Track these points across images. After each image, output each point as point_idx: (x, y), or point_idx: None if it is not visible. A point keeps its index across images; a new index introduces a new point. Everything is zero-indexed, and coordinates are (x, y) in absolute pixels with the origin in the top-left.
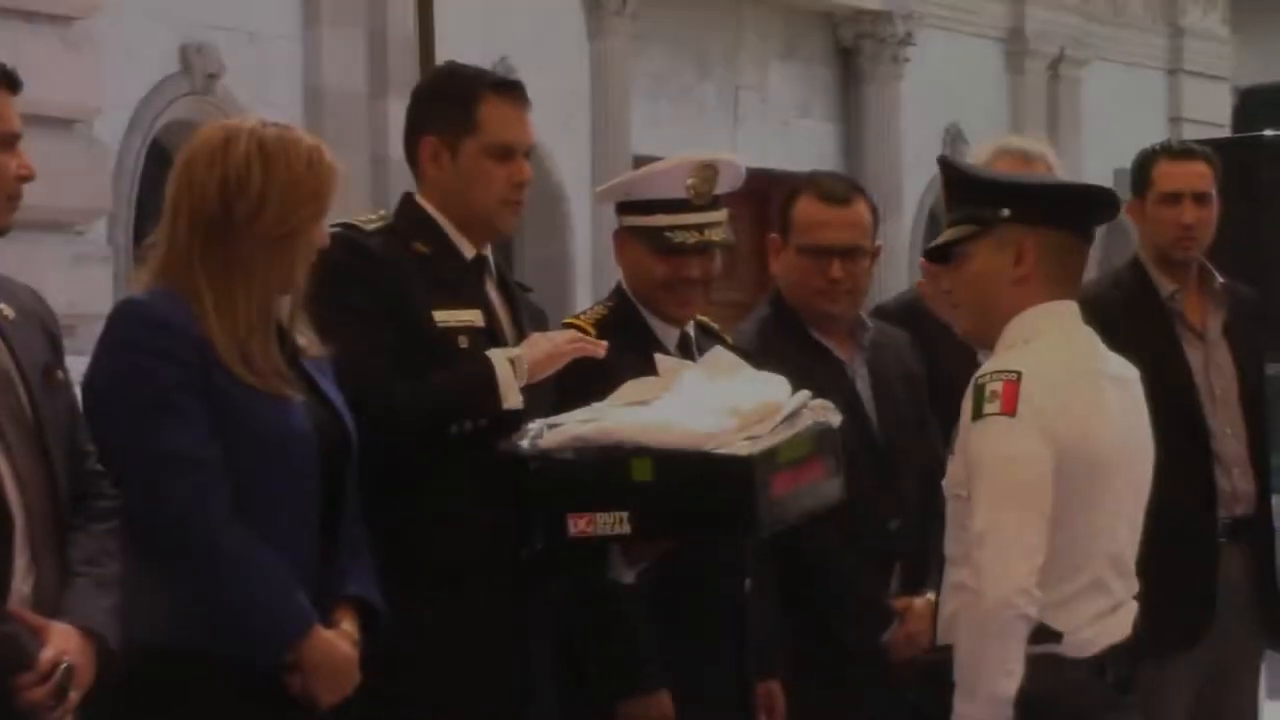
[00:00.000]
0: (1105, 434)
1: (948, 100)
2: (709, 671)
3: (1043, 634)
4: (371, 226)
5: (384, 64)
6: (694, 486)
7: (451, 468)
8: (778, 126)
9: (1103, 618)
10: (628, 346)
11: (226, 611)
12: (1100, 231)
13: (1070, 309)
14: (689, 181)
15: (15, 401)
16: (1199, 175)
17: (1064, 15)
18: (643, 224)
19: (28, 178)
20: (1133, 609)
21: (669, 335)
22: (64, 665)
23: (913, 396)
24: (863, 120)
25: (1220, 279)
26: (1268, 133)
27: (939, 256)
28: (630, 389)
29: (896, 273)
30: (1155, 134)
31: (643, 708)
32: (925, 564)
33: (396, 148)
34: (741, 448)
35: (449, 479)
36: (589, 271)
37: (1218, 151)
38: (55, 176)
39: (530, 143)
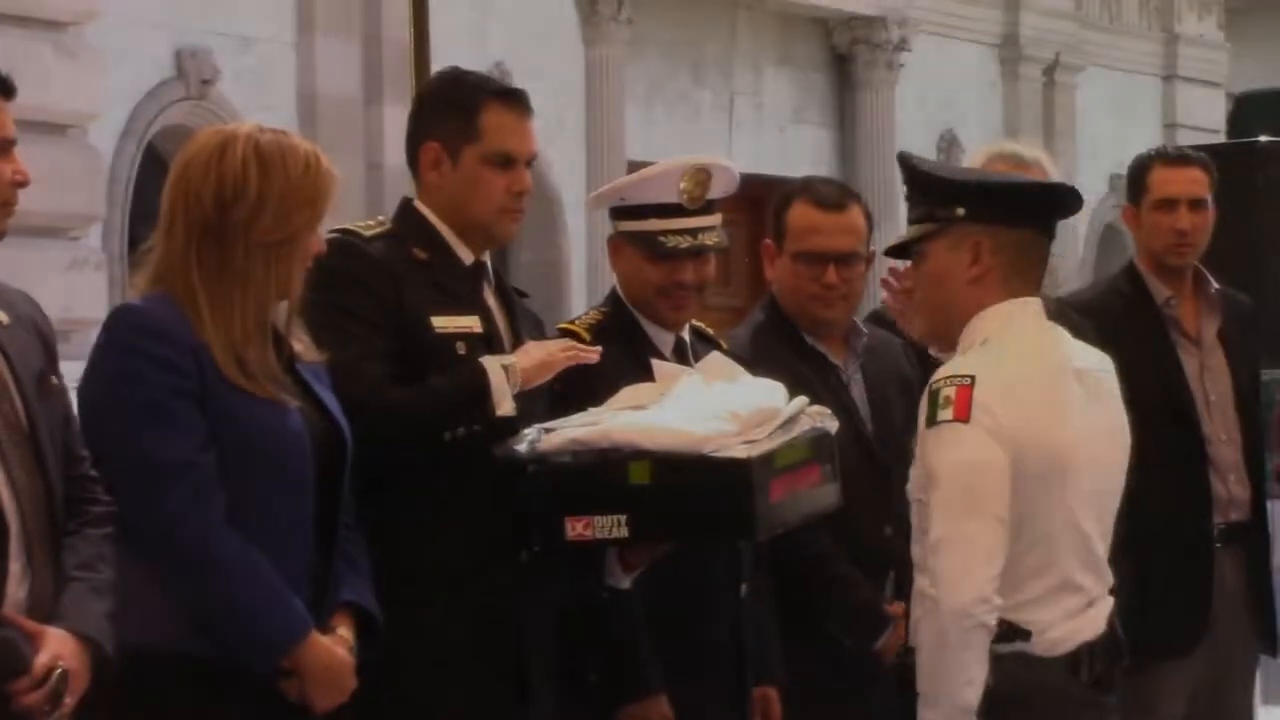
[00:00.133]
0: (1063, 432)
1: (942, 106)
2: (706, 677)
3: (1012, 633)
4: (370, 232)
5: (378, 70)
6: (692, 490)
7: (449, 472)
8: (772, 132)
9: (1074, 616)
10: (623, 352)
11: (222, 617)
12: (1095, 237)
13: (1031, 306)
14: (682, 186)
15: (10, 407)
16: (1195, 181)
17: (1059, 21)
18: (636, 229)
19: (23, 183)
20: (1107, 605)
21: (664, 340)
22: (59, 670)
23: (907, 402)
24: (857, 126)
25: (1215, 285)
26: (1263, 138)
27: (900, 254)
28: (627, 394)
29: None
30: (1150, 140)
31: (641, 711)
32: None
33: (391, 153)
34: (740, 451)
35: (447, 483)
36: (583, 276)
37: (1213, 157)
38: (50, 182)
39: (532, 152)
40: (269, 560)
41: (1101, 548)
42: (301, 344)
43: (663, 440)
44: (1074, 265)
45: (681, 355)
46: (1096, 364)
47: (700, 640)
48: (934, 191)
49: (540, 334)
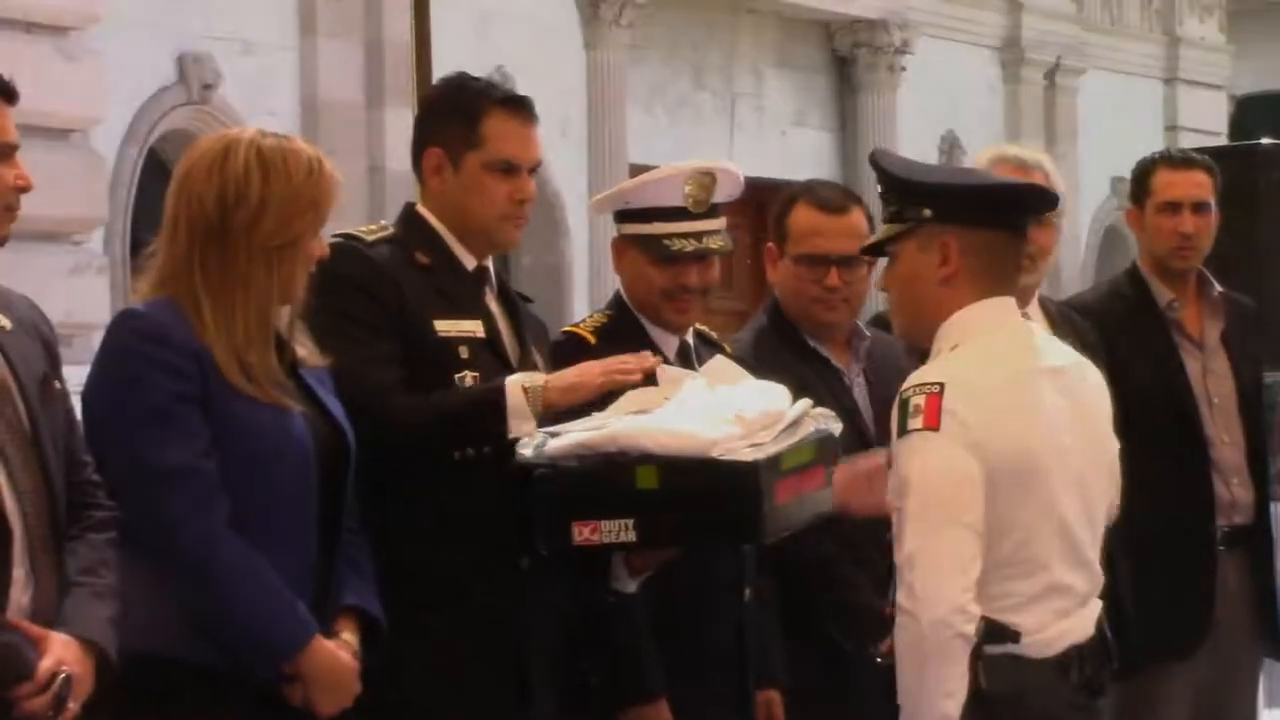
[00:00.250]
0: (1036, 435)
1: (944, 109)
2: (709, 679)
3: (1001, 634)
4: (373, 237)
5: (380, 74)
6: (699, 493)
7: (454, 476)
8: (774, 135)
9: (1063, 617)
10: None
11: (225, 622)
12: (1097, 239)
13: (1004, 305)
14: (686, 189)
15: (13, 412)
16: (1199, 184)
17: (1061, 24)
18: (641, 232)
19: (25, 188)
20: (1096, 607)
21: (668, 344)
22: (63, 675)
23: None
24: (859, 129)
25: (1218, 288)
26: (1265, 141)
27: (874, 253)
28: (632, 398)
29: None
30: (1152, 143)
31: (642, 714)
32: None
33: (393, 157)
34: (746, 454)
35: (451, 487)
36: (586, 280)
37: (1215, 160)
38: (52, 187)
39: (536, 159)
40: (272, 565)
41: (1090, 546)
42: (304, 348)
43: (669, 444)
44: (1075, 268)
45: (685, 358)
46: (1071, 359)
47: (703, 642)
48: (902, 192)
49: (545, 338)
